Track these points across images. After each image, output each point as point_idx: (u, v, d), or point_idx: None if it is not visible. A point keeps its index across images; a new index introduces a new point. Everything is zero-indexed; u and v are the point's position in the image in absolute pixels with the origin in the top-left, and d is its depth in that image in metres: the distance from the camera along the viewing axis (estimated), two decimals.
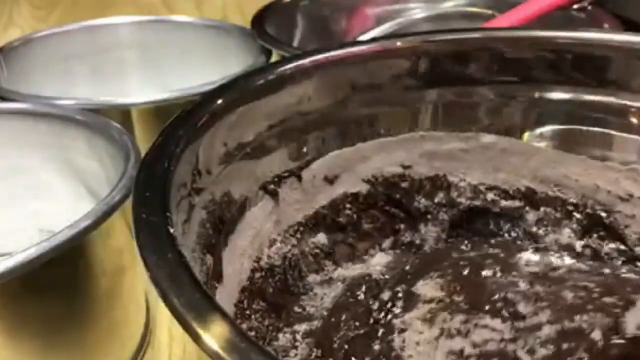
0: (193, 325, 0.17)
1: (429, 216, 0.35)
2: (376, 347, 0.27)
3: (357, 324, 0.29)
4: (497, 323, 0.26)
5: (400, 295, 0.29)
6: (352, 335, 0.28)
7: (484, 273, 0.29)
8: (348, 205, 0.34)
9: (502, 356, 0.25)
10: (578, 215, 0.34)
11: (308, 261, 0.33)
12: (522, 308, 0.27)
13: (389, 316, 0.29)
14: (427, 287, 0.29)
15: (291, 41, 0.58)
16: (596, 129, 0.34)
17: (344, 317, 0.30)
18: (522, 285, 0.28)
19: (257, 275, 0.30)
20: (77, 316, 0.30)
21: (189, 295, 0.17)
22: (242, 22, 0.59)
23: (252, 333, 0.28)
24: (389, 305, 0.29)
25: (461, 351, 0.26)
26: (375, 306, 0.30)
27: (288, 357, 0.29)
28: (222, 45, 0.57)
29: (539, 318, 0.26)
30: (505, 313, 0.27)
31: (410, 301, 0.29)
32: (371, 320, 0.29)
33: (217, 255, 0.27)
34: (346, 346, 0.28)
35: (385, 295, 0.30)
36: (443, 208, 0.35)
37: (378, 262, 0.34)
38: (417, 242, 0.35)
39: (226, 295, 0.27)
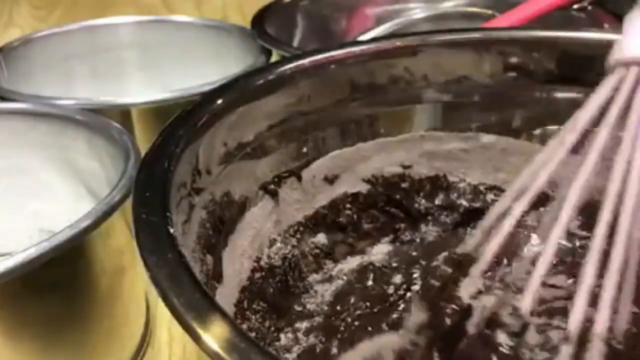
0: (193, 325, 0.17)
1: (429, 217, 0.35)
2: (394, 315, 0.27)
3: (368, 304, 0.29)
4: (561, 280, 0.25)
5: (416, 275, 0.29)
6: (361, 313, 0.28)
7: (523, 241, 0.28)
8: (348, 205, 0.34)
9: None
10: (578, 215, 0.34)
11: (308, 261, 0.33)
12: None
13: (409, 294, 0.28)
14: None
15: (291, 41, 0.58)
16: (596, 129, 0.34)
17: (352, 300, 0.30)
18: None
19: (257, 275, 0.30)
20: (77, 316, 0.30)
21: (189, 295, 0.17)
22: (242, 22, 0.59)
23: (253, 334, 0.28)
24: (404, 286, 0.29)
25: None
26: (391, 290, 0.29)
27: (290, 353, 0.28)
28: (222, 45, 0.57)
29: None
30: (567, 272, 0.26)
31: (433, 275, 0.28)
32: (386, 304, 0.29)
33: (217, 255, 0.27)
34: (357, 323, 0.28)
35: (397, 279, 0.30)
36: (444, 211, 0.35)
37: (378, 251, 0.34)
38: (417, 240, 0.36)
39: (226, 295, 0.27)
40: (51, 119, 0.38)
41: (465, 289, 0.21)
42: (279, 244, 0.32)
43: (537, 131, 0.35)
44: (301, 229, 0.33)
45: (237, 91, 0.29)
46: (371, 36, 0.57)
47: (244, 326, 0.28)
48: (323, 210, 0.34)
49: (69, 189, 0.39)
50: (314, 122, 0.32)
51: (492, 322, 0.20)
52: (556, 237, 0.20)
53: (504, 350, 0.19)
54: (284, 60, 0.33)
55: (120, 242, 0.32)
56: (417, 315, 0.21)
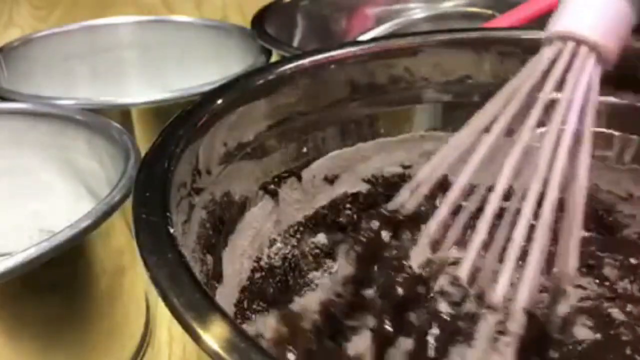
0: (193, 325, 0.17)
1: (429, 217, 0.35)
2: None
3: None
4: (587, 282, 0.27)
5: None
6: None
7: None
8: (348, 205, 0.34)
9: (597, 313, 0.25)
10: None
11: (308, 261, 0.33)
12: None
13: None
14: None
15: (291, 41, 0.58)
16: (596, 129, 0.34)
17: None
18: None
19: (257, 275, 0.30)
20: (77, 316, 0.30)
21: (189, 295, 0.17)
22: (242, 22, 0.59)
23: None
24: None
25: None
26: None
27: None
28: (222, 45, 0.57)
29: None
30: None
31: (361, 230, 0.27)
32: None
33: (217, 255, 0.27)
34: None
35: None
36: None
37: None
38: None
39: (226, 295, 0.27)
40: (51, 119, 0.38)
41: (415, 259, 0.21)
42: (279, 244, 0.32)
43: (537, 131, 0.35)
44: (301, 229, 0.33)
45: (237, 91, 0.29)
46: (371, 36, 0.57)
47: (244, 326, 0.28)
48: (323, 210, 0.34)
49: (69, 189, 0.39)
50: (314, 122, 0.32)
51: (435, 290, 0.21)
52: (490, 213, 0.21)
53: (445, 317, 0.20)
54: (284, 60, 0.33)
55: (120, 242, 0.32)
56: (344, 268, 0.21)
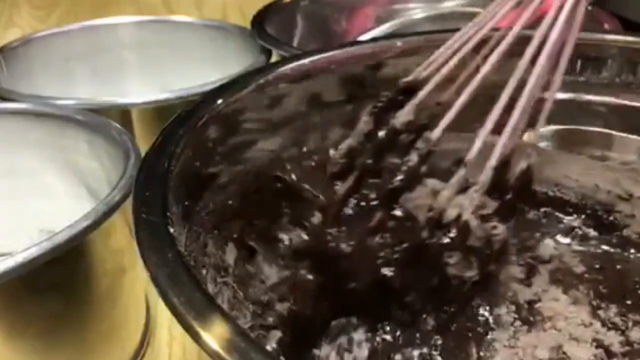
0: (193, 324, 0.17)
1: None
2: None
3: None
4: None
5: None
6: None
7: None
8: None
9: None
10: (578, 215, 0.34)
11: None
12: None
13: None
14: None
15: (291, 41, 0.58)
16: (596, 129, 0.34)
17: None
18: None
19: None
20: (77, 316, 0.30)
21: (189, 295, 0.17)
22: (242, 22, 0.59)
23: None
24: None
25: None
26: None
27: None
28: (222, 45, 0.57)
29: None
30: None
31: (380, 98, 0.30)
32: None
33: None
34: None
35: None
36: None
37: None
38: None
39: None
40: (51, 119, 0.38)
41: (400, 117, 0.26)
42: None
43: (537, 131, 0.35)
44: None
45: (237, 91, 0.29)
46: (371, 36, 0.57)
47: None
48: None
49: (69, 189, 0.39)
50: (314, 122, 0.32)
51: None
52: (473, 87, 0.26)
53: (411, 164, 0.25)
54: (284, 60, 0.33)
55: (120, 242, 0.32)
56: (365, 124, 0.26)
